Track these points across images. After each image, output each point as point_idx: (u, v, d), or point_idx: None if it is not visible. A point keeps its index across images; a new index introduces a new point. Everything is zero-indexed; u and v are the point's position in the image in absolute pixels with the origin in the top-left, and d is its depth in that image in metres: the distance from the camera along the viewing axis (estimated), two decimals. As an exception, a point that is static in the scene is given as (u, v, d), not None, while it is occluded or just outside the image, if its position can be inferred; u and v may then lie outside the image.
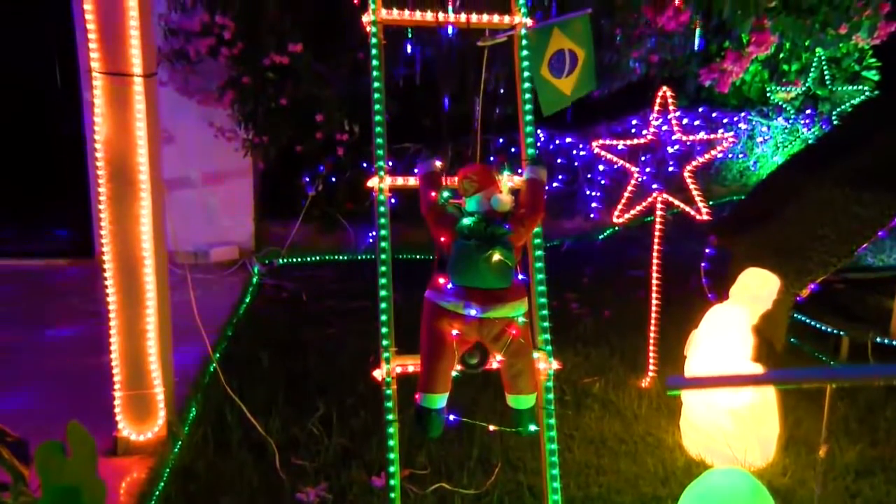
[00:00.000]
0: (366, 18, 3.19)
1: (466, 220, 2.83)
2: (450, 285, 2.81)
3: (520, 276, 2.92)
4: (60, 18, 6.17)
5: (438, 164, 3.04)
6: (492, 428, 3.16)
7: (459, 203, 2.96)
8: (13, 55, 6.50)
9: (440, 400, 2.88)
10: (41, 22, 6.36)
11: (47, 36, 6.40)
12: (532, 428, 2.99)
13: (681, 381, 3.09)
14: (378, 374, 2.99)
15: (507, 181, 2.99)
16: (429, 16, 3.27)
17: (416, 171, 3.09)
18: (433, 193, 2.94)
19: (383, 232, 3.05)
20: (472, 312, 2.77)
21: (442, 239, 2.88)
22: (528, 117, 3.31)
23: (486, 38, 3.43)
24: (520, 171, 3.13)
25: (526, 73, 3.33)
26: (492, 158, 3.54)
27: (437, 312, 2.83)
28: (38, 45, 6.43)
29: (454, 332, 2.82)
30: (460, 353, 2.88)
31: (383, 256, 3.03)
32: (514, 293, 2.84)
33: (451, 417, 2.95)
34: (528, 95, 3.32)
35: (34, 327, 5.22)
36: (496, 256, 2.75)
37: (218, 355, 4.61)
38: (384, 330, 3.01)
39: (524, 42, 3.33)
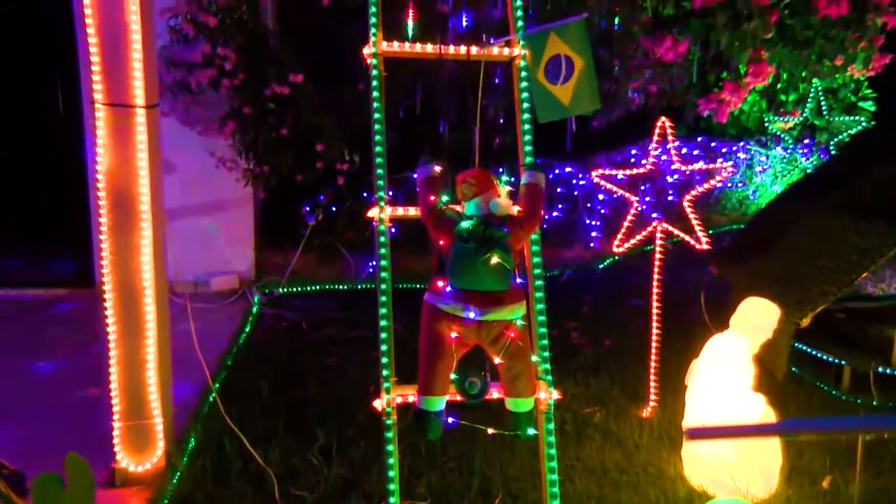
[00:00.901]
0: (367, 51, 3.22)
1: (465, 224, 2.85)
2: (448, 288, 2.82)
3: (518, 280, 2.94)
4: (64, 49, 6.22)
5: (438, 168, 3.06)
6: (490, 431, 3.14)
7: (458, 207, 2.99)
8: (16, 85, 6.55)
9: (439, 402, 2.89)
10: (45, 52, 6.41)
11: (51, 66, 6.44)
12: (531, 431, 2.99)
13: (702, 430, 3.05)
14: (378, 404, 2.98)
15: (505, 186, 3.03)
16: (429, 48, 3.31)
17: (415, 175, 3.11)
18: (432, 197, 2.96)
19: (383, 262, 3.06)
20: (471, 315, 2.78)
21: (441, 242, 2.90)
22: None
23: (483, 44, 3.47)
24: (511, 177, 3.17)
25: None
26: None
27: (436, 315, 2.84)
28: (42, 76, 6.48)
29: (453, 334, 2.83)
30: (459, 356, 2.89)
31: (383, 286, 3.04)
32: (513, 296, 2.86)
33: (450, 420, 2.95)
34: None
35: (33, 357, 5.20)
36: (494, 259, 2.77)
37: (217, 385, 4.59)
38: (384, 360, 3.00)
39: (523, 72, 3.36)
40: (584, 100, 3.44)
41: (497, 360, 2.87)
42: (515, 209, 2.98)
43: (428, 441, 3.38)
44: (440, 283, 2.85)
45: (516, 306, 2.86)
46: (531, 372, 2.96)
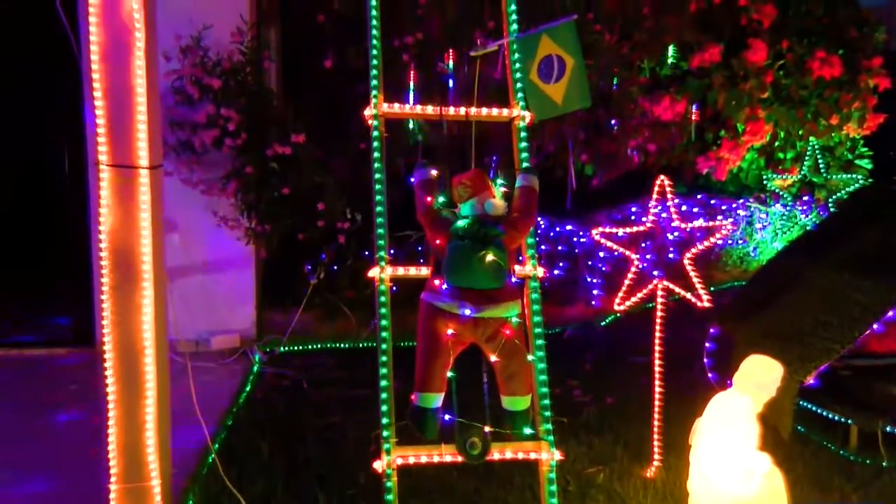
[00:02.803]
0: (367, 112, 3.28)
1: (460, 223, 2.90)
2: (445, 286, 2.85)
3: (513, 279, 2.97)
4: (72, 112, 6.31)
5: (434, 172, 3.12)
6: (487, 429, 3.10)
7: (454, 210, 3.05)
8: (25, 146, 6.64)
9: (436, 399, 2.90)
10: (53, 115, 6.51)
11: (58, 128, 6.53)
12: (527, 431, 2.98)
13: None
14: (378, 465, 2.95)
15: (500, 187, 3.08)
16: (429, 109, 3.36)
17: (412, 179, 3.16)
18: (429, 199, 3.01)
19: (384, 322, 3.07)
20: (467, 312, 2.81)
21: (437, 241, 2.94)
22: (523, 133, 3.39)
23: (477, 47, 3.55)
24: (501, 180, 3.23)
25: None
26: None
27: (432, 313, 2.87)
28: (49, 137, 6.56)
29: (449, 331, 2.85)
30: (455, 354, 2.90)
31: (384, 346, 3.03)
32: (508, 294, 2.89)
33: (447, 417, 2.94)
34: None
35: (31, 416, 5.16)
36: (489, 257, 2.81)
37: (217, 445, 4.55)
38: (385, 421, 2.98)
39: (522, 133, 3.41)
40: (575, 98, 3.53)
41: (493, 358, 2.90)
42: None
43: (425, 438, 3.32)
44: (436, 282, 2.88)
45: (511, 304, 2.90)
46: (527, 370, 2.97)
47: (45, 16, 3.71)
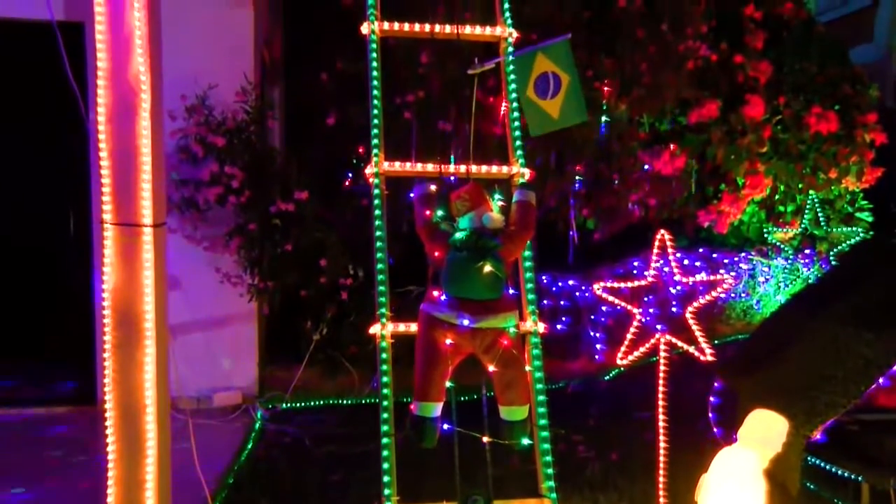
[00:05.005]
0: (368, 170, 3.32)
1: (459, 235, 2.95)
2: (443, 297, 2.88)
3: (511, 291, 3.00)
4: (77, 173, 6.37)
5: (433, 187, 3.18)
6: (485, 439, 3.09)
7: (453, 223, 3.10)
8: (31, 207, 6.70)
9: (435, 408, 2.91)
10: (59, 176, 6.58)
11: (64, 189, 6.59)
12: (525, 441, 2.98)
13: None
14: (380, 524, 2.92)
15: (498, 202, 3.13)
16: (430, 167, 3.41)
17: (411, 194, 3.21)
18: (428, 212, 3.06)
19: (385, 378, 3.06)
20: (465, 322, 2.84)
21: (436, 254, 2.98)
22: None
23: (474, 66, 3.61)
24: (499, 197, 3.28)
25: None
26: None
27: (431, 323, 2.90)
28: (55, 198, 6.63)
29: (448, 341, 2.87)
30: (454, 364, 2.92)
31: (385, 403, 3.02)
32: (505, 305, 2.93)
33: (445, 426, 2.94)
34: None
35: (30, 477, 5.11)
36: (487, 267, 2.86)
37: (217, 505, 4.50)
38: (386, 479, 2.96)
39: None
40: (572, 113, 3.58)
41: (491, 368, 2.91)
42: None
43: (424, 448, 3.27)
44: (435, 293, 2.92)
45: (509, 315, 2.94)
46: (524, 380, 2.99)
47: (52, 77, 3.78)
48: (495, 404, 3.02)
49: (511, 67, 3.56)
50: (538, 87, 3.58)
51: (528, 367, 3.06)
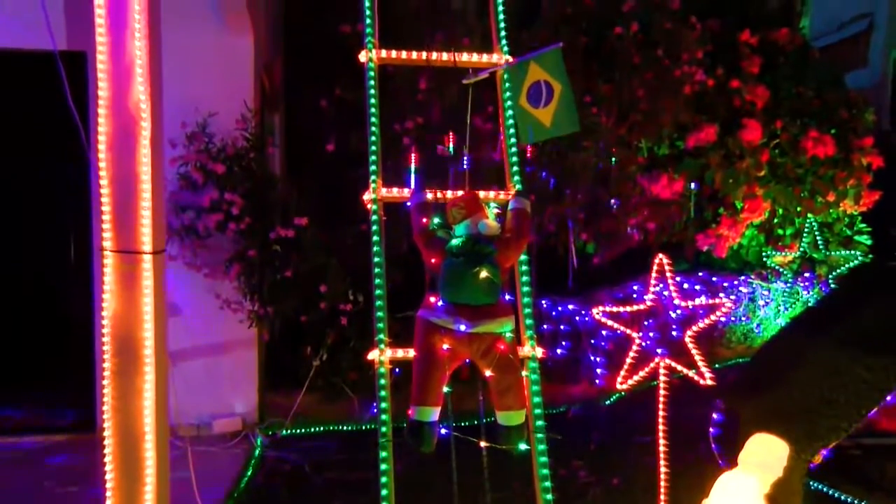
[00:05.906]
0: (366, 197, 3.34)
1: (455, 241, 2.98)
2: (440, 303, 2.91)
3: (507, 297, 3.03)
4: (77, 198, 6.39)
5: (430, 196, 3.23)
6: (483, 444, 3.09)
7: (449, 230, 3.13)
8: (33, 236, 6.72)
9: (432, 413, 2.92)
10: (61, 204, 6.60)
11: (65, 217, 6.60)
12: (522, 447, 2.98)
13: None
14: (379, 552, 2.90)
15: (493, 210, 3.17)
16: (428, 195, 3.43)
17: (408, 203, 3.25)
18: (424, 220, 3.10)
19: (384, 404, 3.06)
20: (462, 328, 2.86)
21: (433, 260, 3.02)
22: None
23: (469, 75, 3.65)
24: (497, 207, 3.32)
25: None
26: None
27: (429, 329, 2.92)
28: (57, 226, 6.64)
29: (445, 346, 2.89)
30: (451, 369, 2.95)
31: (384, 429, 3.02)
32: (501, 310, 2.96)
33: (443, 431, 2.94)
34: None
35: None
36: (483, 273, 2.90)
37: (216, 533, 4.47)
38: (385, 505, 2.95)
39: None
40: (564, 122, 3.59)
41: (487, 374, 2.93)
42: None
43: (422, 452, 3.25)
44: (432, 299, 2.95)
45: (505, 320, 2.97)
46: (521, 385, 3.00)
47: (54, 106, 3.81)
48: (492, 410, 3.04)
49: (507, 85, 3.60)
50: (531, 96, 3.62)
51: (524, 373, 3.09)
